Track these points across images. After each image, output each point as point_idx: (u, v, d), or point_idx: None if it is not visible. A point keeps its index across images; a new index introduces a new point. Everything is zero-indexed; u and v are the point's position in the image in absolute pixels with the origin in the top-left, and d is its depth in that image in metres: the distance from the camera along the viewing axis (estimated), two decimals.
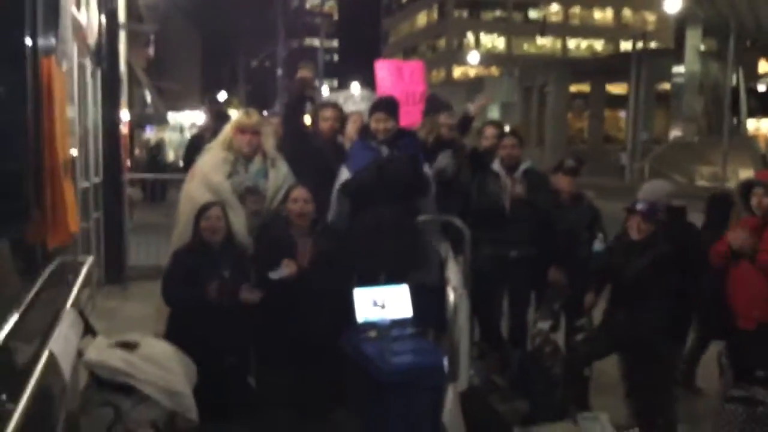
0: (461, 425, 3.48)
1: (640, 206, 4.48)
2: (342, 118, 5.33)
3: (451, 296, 3.80)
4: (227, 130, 4.60)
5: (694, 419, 4.52)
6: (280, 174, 4.61)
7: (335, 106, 5.51)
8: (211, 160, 4.50)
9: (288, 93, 6.32)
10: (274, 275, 4.11)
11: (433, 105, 5.71)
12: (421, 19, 67.98)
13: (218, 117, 10.00)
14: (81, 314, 3.23)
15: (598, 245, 4.94)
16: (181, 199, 4.54)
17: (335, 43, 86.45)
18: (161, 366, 3.27)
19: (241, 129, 4.54)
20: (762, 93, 33.71)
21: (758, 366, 4.41)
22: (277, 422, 3.98)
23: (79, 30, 6.71)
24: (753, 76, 33.87)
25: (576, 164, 5.56)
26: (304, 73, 5.02)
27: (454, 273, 4.13)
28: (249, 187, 4.48)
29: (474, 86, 49.20)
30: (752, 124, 34.31)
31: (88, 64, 7.35)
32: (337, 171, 4.65)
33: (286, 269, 4.13)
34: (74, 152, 5.05)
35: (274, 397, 4.06)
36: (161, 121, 27.05)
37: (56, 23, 3.95)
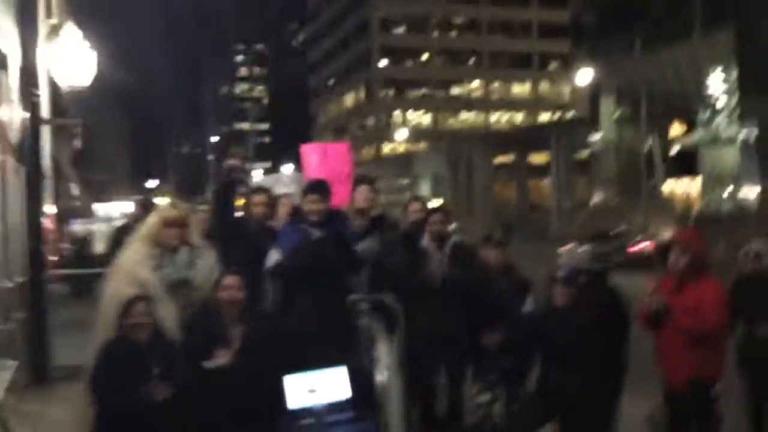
0: None
1: (560, 273, 4.65)
2: (272, 201, 5.40)
3: (381, 377, 3.80)
4: (150, 222, 4.54)
5: None
6: (207, 264, 4.57)
7: (265, 190, 5.58)
8: (135, 255, 4.43)
9: (218, 180, 6.36)
10: (209, 365, 4.05)
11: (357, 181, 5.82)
12: (349, 99, 69.68)
13: (144, 207, 9.91)
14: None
15: (528, 306, 5.06)
16: (104, 295, 4.43)
17: (265, 126, 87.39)
18: None
19: (167, 222, 4.49)
20: (676, 155, 35.54)
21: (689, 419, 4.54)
22: None
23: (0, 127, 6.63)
24: (666, 139, 35.81)
25: (503, 236, 5.74)
26: (232, 161, 5.11)
27: (384, 353, 4.14)
28: (178, 279, 4.42)
29: (403, 162, 50.30)
30: (670, 185, 35.96)
31: (10, 160, 7.24)
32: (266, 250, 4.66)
33: (220, 359, 4.08)
34: None
35: None
36: (88, 214, 26.46)
37: None
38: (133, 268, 4.35)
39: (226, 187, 5.05)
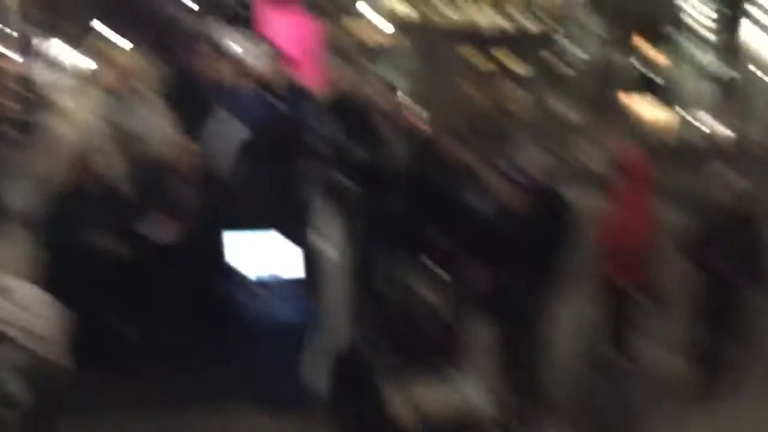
0: (322, 376, 3.57)
1: (508, 170, 4.59)
2: (232, 62, 5.22)
3: (325, 250, 3.86)
4: (94, 64, 4.38)
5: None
6: (152, 112, 4.43)
7: (225, 49, 5.38)
8: (78, 97, 4.29)
9: (180, 34, 6.10)
10: (146, 231, 4.03)
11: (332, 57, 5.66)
12: None
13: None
14: None
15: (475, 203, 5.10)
16: (47, 135, 4.30)
17: None
18: (27, 309, 3.15)
19: (109, 63, 4.33)
20: (640, 76, 35.48)
21: None
22: (148, 372, 3.93)
23: None
24: (631, 53, 35.57)
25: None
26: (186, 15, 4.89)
27: (330, 228, 4.18)
28: (117, 124, 4.29)
29: (371, 46, 49.00)
30: (632, 105, 36.07)
31: None
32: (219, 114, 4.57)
33: (157, 225, 4.05)
34: None
35: (148, 346, 4.00)
36: (31, 53, 25.23)
37: None
38: (74, 110, 4.22)
39: (178, 39, 4.87)
